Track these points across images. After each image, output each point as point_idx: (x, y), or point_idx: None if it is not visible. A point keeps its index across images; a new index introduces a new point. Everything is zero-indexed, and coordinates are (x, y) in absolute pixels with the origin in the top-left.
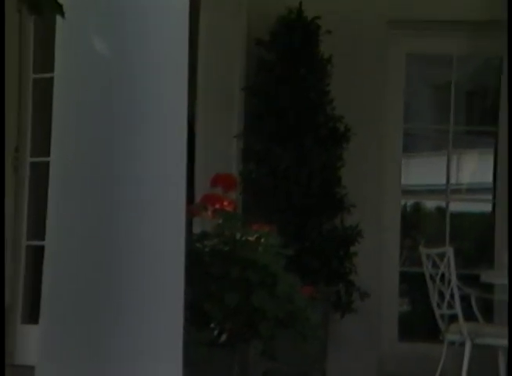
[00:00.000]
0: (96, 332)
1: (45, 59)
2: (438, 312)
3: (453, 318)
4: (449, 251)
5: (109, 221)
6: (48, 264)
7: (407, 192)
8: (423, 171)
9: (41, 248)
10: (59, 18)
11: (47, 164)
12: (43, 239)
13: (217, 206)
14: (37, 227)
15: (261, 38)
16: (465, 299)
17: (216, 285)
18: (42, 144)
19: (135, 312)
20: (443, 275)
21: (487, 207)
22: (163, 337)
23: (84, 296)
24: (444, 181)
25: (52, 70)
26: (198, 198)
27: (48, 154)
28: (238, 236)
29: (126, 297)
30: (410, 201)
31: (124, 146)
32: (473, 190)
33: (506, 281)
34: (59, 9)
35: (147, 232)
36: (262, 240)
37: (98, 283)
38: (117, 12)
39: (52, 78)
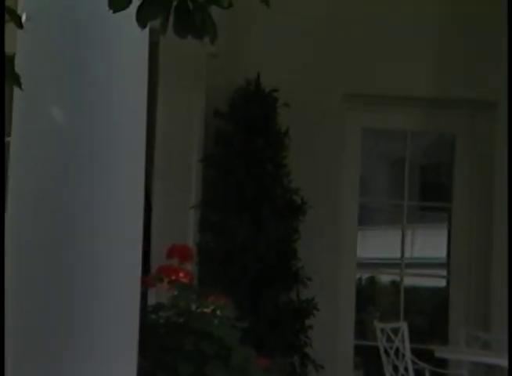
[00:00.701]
0: None
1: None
2: None
3: None
4: (404, 326)
5: (65, 282)
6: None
7: (362, 265)
8: (378, 245)
9: None
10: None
11: None
12: None
13: (172, 277)
14: None
15: (220, 109)
16: (419, 373)
17: (170, 356)
18: None
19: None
20: (397, 349)
21: (441, 283)
22: None
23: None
24: (398, 255)
25: (7, 134)
26: (154, 269)
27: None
28: (193, 307)
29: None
30: (366, 275)
31: (83, 212)
32: (427, 265)
33: (460, 356)
34: (17, 80)
35: (101, 299)
36: (218, 312)
37: (55, 344)
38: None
39: (7, 143)
